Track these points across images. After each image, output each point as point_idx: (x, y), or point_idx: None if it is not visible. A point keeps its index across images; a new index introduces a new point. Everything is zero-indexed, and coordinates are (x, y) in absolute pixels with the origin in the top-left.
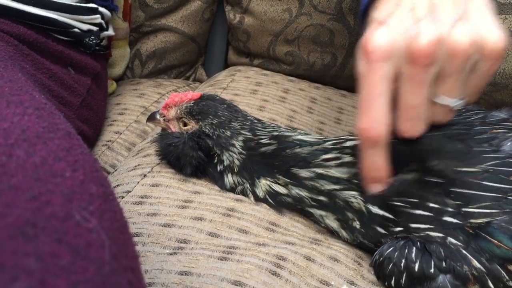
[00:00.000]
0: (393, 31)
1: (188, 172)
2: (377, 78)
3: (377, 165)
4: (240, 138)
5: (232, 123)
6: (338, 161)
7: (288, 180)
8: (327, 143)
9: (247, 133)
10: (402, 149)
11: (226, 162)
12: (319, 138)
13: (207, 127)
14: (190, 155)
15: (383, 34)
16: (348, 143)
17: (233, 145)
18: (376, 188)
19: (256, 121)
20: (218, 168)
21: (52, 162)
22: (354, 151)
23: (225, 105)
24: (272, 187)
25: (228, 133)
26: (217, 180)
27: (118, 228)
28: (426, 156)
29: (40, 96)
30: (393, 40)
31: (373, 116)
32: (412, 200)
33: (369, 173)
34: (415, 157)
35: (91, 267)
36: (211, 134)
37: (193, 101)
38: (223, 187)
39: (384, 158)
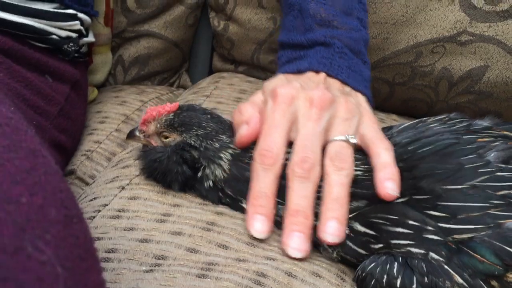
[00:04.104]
0: (295, 86)
1: (176, 189)
2: (279, 114)
3: (264, 191)
4: (229, 151)
5: (220, 136)
6: None
7: (277, 200)
8: None
9: (236, 147)
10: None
11: (211, 177)
12: None
13: (193, 139)
14: (175, 170)
15: (289, 86)
16: None
17: (221, 158)
18: (258, 227)
19: None
20: (206, 185)
21: (7, 187)
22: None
23: (208, 115)
24: None
25: (217, 145)
26: (205, 195)
27: (80, 255)
28: (416, 179)
29: (7, 109)
30: (296, 90)
31: (271, 141)
32: (392, 217)
33: (255, 199)
34: (407, 182)
35: None
36: (197, 146)
37: (172, 113)
38: (215, 201)
39: (273, 185)
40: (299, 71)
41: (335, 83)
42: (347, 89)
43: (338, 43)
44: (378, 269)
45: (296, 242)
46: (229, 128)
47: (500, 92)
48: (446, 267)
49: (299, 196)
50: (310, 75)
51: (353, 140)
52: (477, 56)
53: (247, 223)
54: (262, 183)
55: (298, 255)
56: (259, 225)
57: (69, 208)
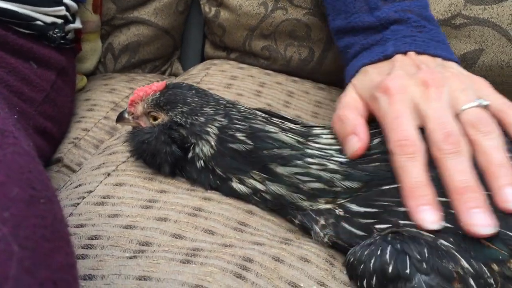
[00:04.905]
0: (399, 74)
1: (167, 171)
2: (400, 104)
3: (419, 180)
4: (216, 124)
5: (204, 109)
6: (322, 167)
7: (264, 175)
8: (308, 150)
9: (222, 119)
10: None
11: (202, 156)
12: (299, 141)
13: (178, 116)
14: (164, 151)
15: (395, 76)
16: (335, 158)
17: (208, 133)
18: (429, 218)
19: (230, 105)
20: (198, 165)
21: None
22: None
23: (193, 91)
24: (248, 183)
25: (202, 119)
26: (196, 178)
27: (44, 235)
28: None
29: None
30: (403, 78)
31: (404, 130)
32: (395, 199)
33: (413, 191)
34: None
35: None
36: (183, 123)
37: (158, 92)
38: (205, 185)
39: (424, 172)
40: (386, 57)
41: (427, 60)
42: (439, 61)
43: (413, 17)
44: (367, 254)
45: (480, 218)
46: (214, 100)
47: (495, 76)
48: (454, 252)
49: (458, 171)
50: (399, 58)
51: (486, 102)
52: (471, 40)
53: (416, 218)
54: (414, 173)
55: (491, 230)
56: (430, 216)
57: (37, 189)
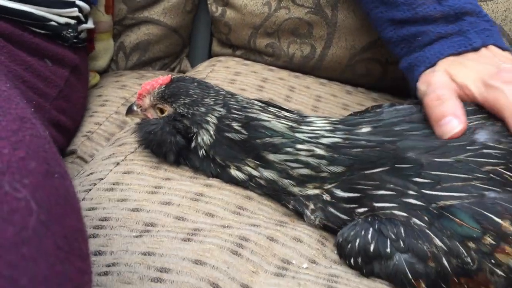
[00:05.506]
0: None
1: (172, 159)
2: None
3: None
4: (215, 114)
5: (205, 100)
6: (310, 153)
7: (257, 162)
8: (299, 134)
9: (220, 109)
10: (375, 150)
11: (203, 145)
12: (292, 126)
13: (181, 108)
14: (169, 141)
15: (507, 70)
16: (324, 140)
17: (208, 122)
18: None
19: (229, 96)
20: (200, 154)
21: None
22: (329, 147)
23: (195, 83)
24: (245, 170)
25: (203, 109)
26: (199, 166)
27: (57, 201)
28: (400, 152)
29: (3, 84)
30: None
31: None
32: (374, 183)
33: None
34: (389, 154)
35: (11, 229)
36: (186, 114)
37: (164, 86)
38: (207, 173)
39: None
40: (474, 49)
41: (506, 54)
42: (510, 55)
43: (482, 10)
44: (353, 235)
45: None
46: (214, 91)
47: None
48: (427, 231)
49: None
50: (485, 51)
51: None
52: None
53: None
54: None
55: None
56: None
57: (52, 166)
